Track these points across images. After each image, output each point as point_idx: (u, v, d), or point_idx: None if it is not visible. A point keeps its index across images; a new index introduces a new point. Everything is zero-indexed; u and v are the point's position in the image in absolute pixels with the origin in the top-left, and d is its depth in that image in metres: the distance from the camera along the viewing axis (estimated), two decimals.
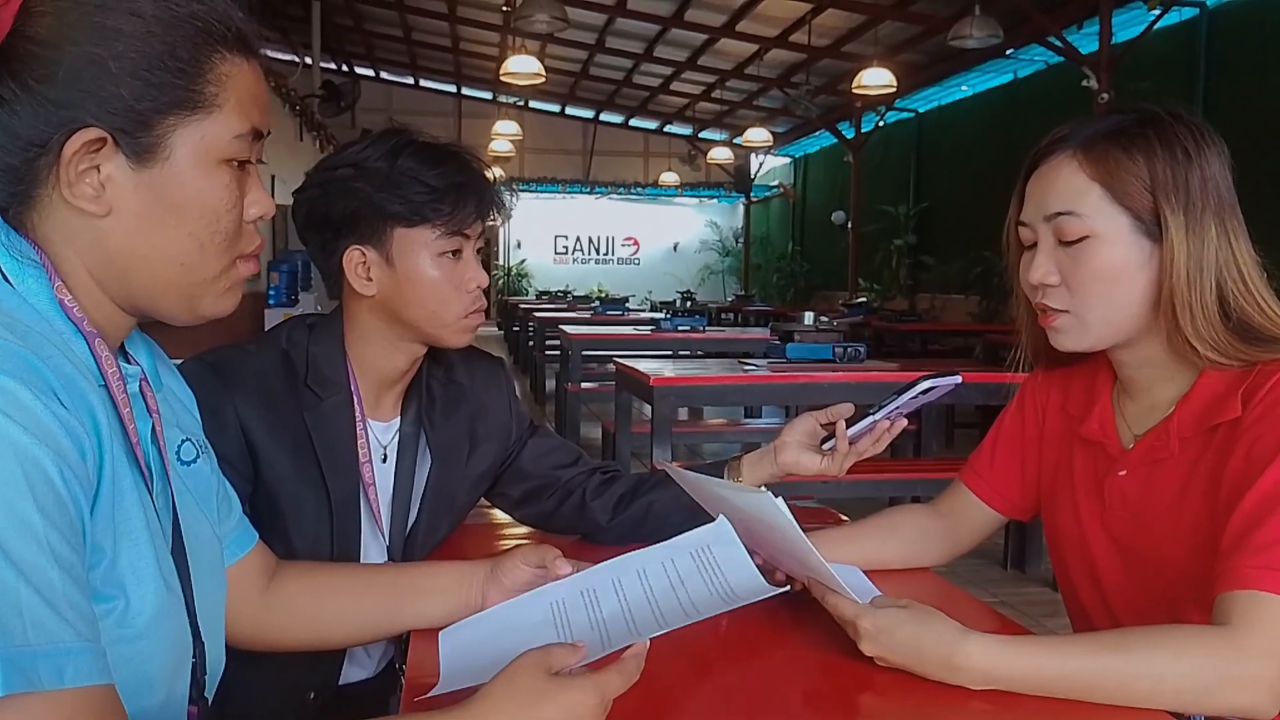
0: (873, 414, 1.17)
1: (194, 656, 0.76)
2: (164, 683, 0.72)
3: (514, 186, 16.60)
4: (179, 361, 0.96)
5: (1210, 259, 0.97)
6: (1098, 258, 1.00)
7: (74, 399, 0.63)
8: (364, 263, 1.17)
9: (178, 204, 0.71)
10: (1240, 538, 0.88)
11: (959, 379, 1.13)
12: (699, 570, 0.97)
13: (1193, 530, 0.98)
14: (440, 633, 0.99)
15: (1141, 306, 1.01)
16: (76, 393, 0.64)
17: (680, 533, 1.24)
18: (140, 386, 0.76)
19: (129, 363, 0.77)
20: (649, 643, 0.76)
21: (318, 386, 1.19)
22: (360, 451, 1.20)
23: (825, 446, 1.21)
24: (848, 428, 1.18)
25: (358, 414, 1.21)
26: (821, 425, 1.23)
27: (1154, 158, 0.98)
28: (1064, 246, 1.02)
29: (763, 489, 0.94)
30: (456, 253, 1.18)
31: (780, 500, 0.90)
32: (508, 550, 1.06)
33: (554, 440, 1.39)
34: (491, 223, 1.25)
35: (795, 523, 0.90)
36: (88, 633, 0.58)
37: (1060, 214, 1.01)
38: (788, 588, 0.98)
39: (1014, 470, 1.21)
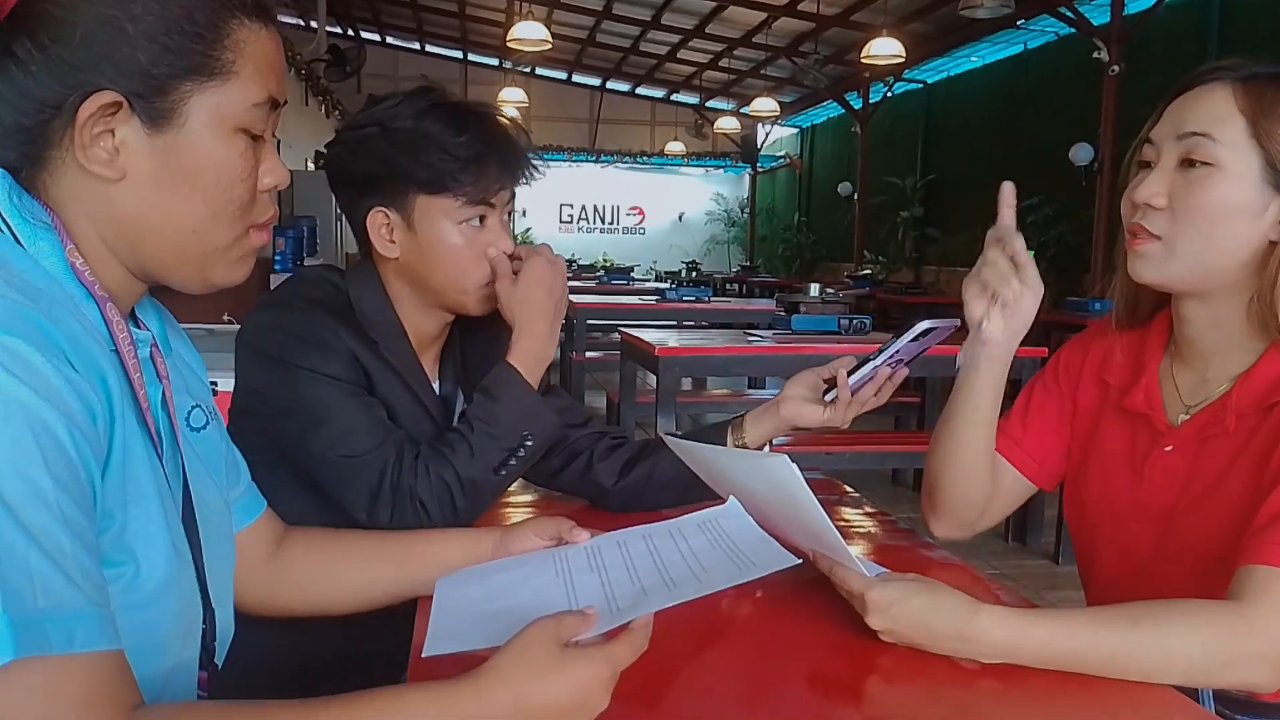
0: (873, 359, 1.16)
1: (204, 622, 0.77)
2: (174, 648, 0.72)
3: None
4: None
5: None
6: (1215, 189, 0.95)
7: (85, 362, 0.63)
8: (387, 224, 1.18)
9: (192, 171, 0.70)
10: (1275, 516, 0.87)
11: (958, 321, 1.10)
12: (710, 542, 0.96)
13: (1231, 507, 0.96)
14: (438, 581, 0.99)
15: (1238, 258, 0.97)
16: (87, 356, 0.63)
17: (685, 498, 1.25)
18: (150, 352, 0.76)
19: (140, 328, 0.77)
20: (653, 614, 0.75)
21: (389, 354, 1.20)
22: None
23: (827, 398, 1.20)
24: (849, 377, 1.18)
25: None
26: (823, 380, 1.22)
27: None
28: (1183, 170, 0.97)
29: (778, 453, 0.93)
30: (481, 219, 1.18)
31: (795, 465, 0.89)
32: (520, 521, 1.06)
33: (565, 400, 1.39)
34: (524, 184, 1.24)
35: (808, 487, 0.89)
36: (97, 598, 0.58)
37: (1195, 134, 0.96)
38: (801, 560, 0.95)
39: (1048, 438, 1.18)
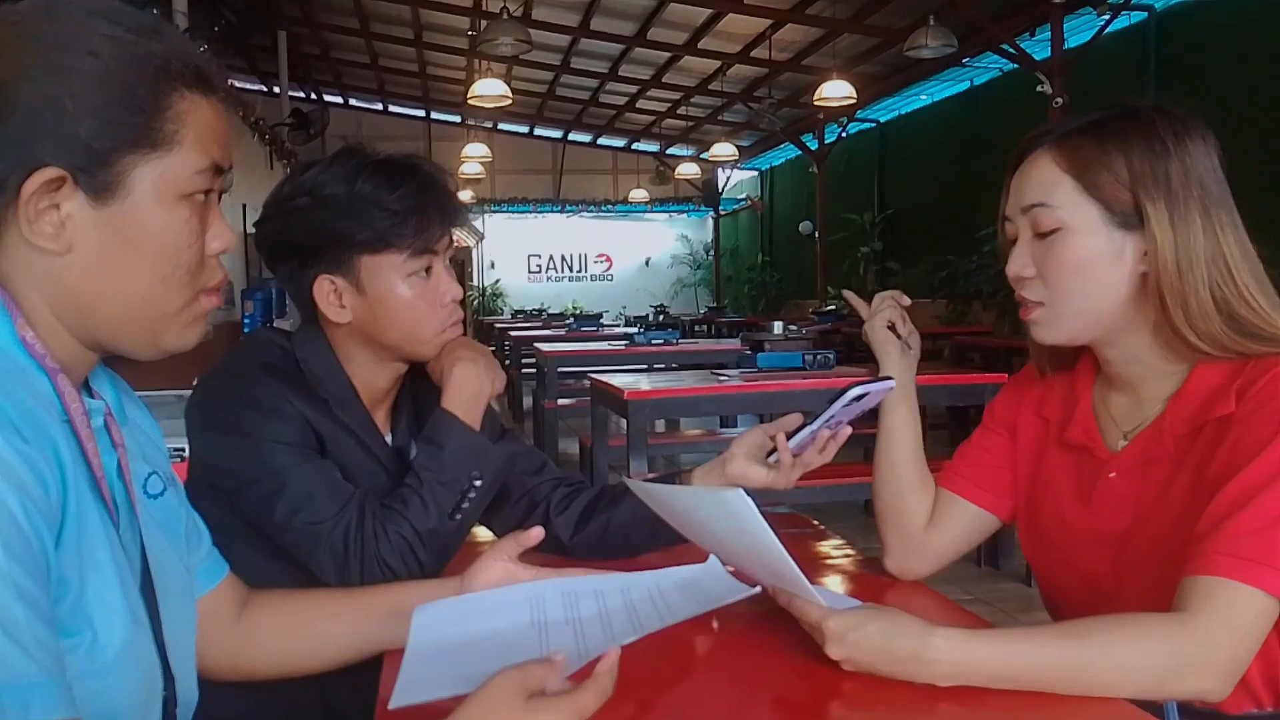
0: (810, 425, 1.15)
1: (165, 690, 0.76)
2: (134, 717, 0.72)
3: (484, 208, 16.58)
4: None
5: (1199, 251, 0.97)
6: (1069, 249, 1.01)
7: (36, 434, 0.63)
8: (335, 290, 1.18)
9: (138, 240, 0.71)
10: (1215, 525, 0.89)
11: (892, 384, 1.14)
12: (682, 593, 1.00)
13: (1178, 525, 0.97)
14: (415, 609, 1.00)
15: (1120, 300, 1.02)
16: (39, 427, 0.64)
17: (644, 546, 1.27)
18: (105, 421, 0.76)
19: (93, 397, 0.77)
20: (620, 652, 0.75)
21: (342, 413, 1.21)
22: None
23: (770, 460, 1.19)
24: (790, 439, 1.16)
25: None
26: (770, 437, 1.20)
27: (1130, 150, 0.99)
28: (1039, 239, 1.03)
29: (733, 486, 0.95)
30: (427, 269, 1.19)
31: (750, 497, 0.90)
32: (477, 559, 1.07)
33: (520, 445, 1.39)
34: (460, 227, 1.26)
35: (764, 520, 0.90)
36: (53, 667, 0.59)
37: (1034, 205, 1.03)
38: (759, 588, 0.97)
39: (998, 474, 1.20)
